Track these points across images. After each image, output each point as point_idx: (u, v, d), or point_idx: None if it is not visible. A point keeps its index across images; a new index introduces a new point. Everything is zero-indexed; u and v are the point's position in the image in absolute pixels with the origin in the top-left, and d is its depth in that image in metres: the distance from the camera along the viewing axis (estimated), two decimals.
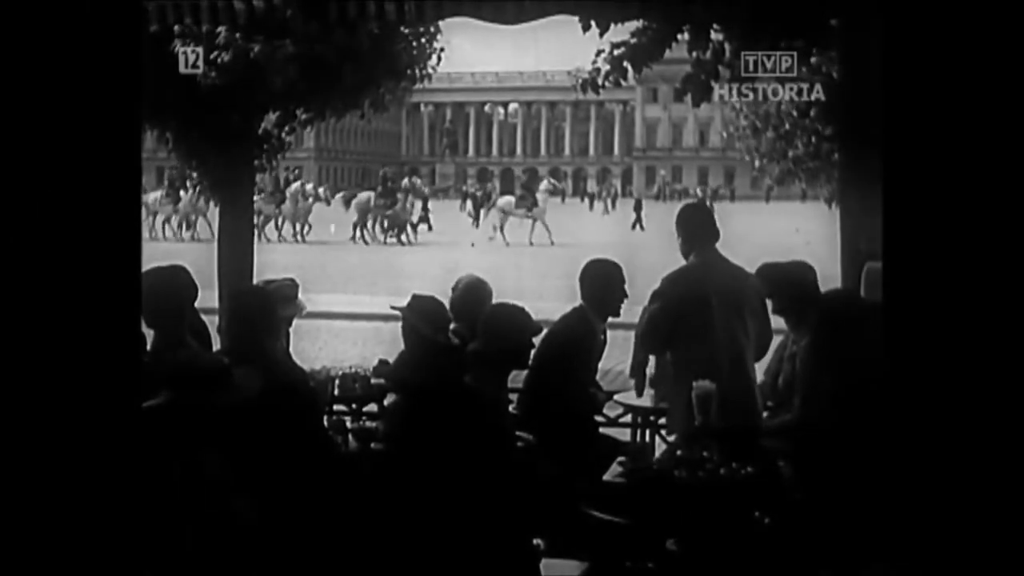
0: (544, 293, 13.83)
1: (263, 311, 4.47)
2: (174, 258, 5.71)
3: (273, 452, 3.96)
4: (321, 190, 34.03)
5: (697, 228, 5.12)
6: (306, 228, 30.32)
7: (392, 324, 5.12)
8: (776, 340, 5.09)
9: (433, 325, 4.93)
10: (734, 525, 3.72)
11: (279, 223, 30.04)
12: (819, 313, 4.44)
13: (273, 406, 3.81)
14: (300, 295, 5.71)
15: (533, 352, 4.45)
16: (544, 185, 30.91)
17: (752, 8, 6.05)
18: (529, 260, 23.19)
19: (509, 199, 31.15)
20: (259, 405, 3.35)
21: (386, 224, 29.65)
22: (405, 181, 31.67)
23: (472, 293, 5.42)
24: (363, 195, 31.33)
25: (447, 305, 5.17)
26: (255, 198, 28.08)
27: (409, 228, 29.63)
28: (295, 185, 30.84)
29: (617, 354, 11.14)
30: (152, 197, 30.63)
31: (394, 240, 29.25)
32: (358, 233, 29.77)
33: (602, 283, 5.23)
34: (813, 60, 6.86)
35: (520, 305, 4.41)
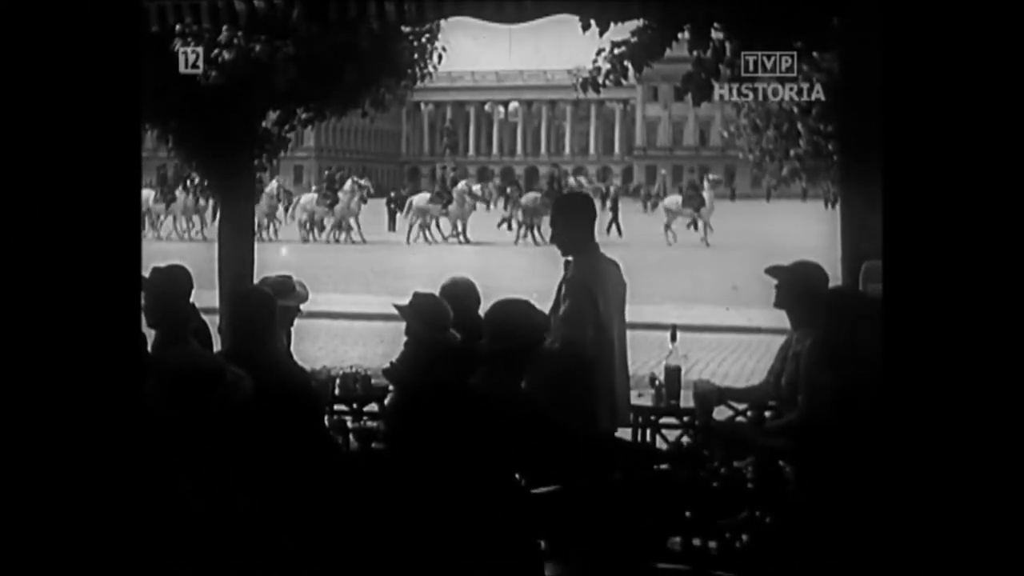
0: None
1: (264, 311, 4.47)
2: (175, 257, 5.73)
3: (274, 452, 3.96)
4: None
5: (580, 221, 5.08)
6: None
7: (392, 324, 5.11)
8: (778, 339, 5.09)
9: (434, 324, 4.92)
10: (734, 525, 3.72)
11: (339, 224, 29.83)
12: (824, 310, 4.44)
13: (274, 406, 3.81)
14: (298, 289, 5.70)
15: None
16: (572, 183, 30.51)
17: (752, 8, 6.05)
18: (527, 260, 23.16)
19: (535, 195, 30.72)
20: (260, 405, 3.34)
21: (327, 224, 29.62)
22: (349, 183, 31.45)
23: (462, 294, 5.39)
24: (307, 196, 31.20)
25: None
26: (311, 197, 27.58)
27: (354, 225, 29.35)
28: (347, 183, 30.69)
29: None
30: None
31: (341, 239, 29.17)
32: (308, 234, 29.73)
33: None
34: (814, 58, 6.86)
35: (525, 300, 4.38)
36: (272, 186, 30.71)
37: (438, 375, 4.46)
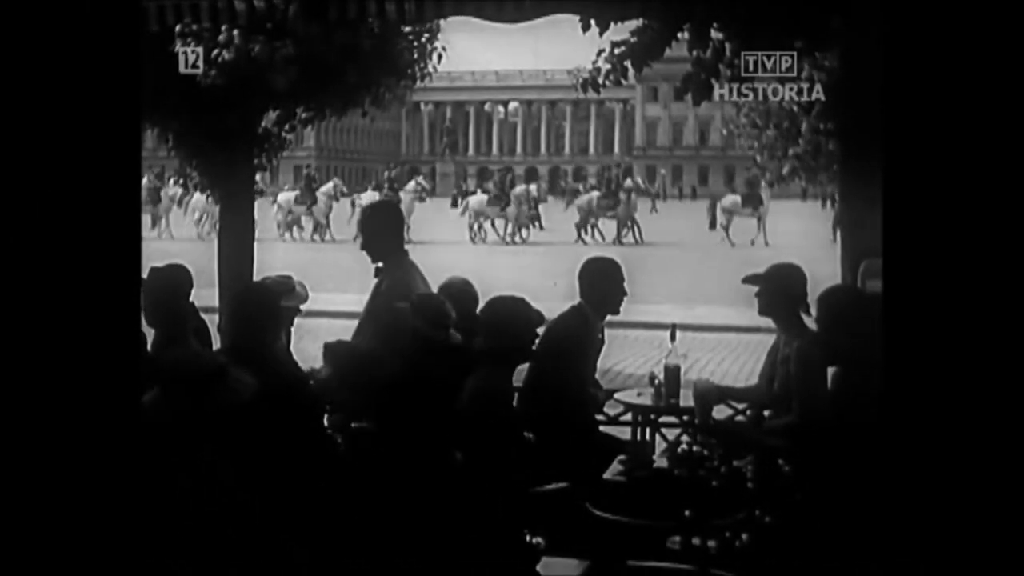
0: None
1: (265, 310, 4.47)
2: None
3: (273, 452, 3.96)
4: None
5: (387, 229, 5.20)
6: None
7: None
8: (764, 340, 5.10)
9: (434, 323, 4.92)
10: (733, 524, 3.72)
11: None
12: (822, 309, 4.44)
13: (273, 405, 3.81)
14: (298, 290, 5.70)
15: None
16: (628, 183, 30.30)
17: (752, 7, 6.05)
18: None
19: (593, 195, 30.40)
20: (260, 404, 3.34)
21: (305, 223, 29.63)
22: (412, 183, 31.33)
23: (458, 294, 5.38)
24: (284, 195, 31.10)
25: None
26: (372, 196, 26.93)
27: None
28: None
29: (617, 353, 11.17)
30: (284, 198, 30.49)
31: (317, 239, 29.15)
32: (286, 233, 29.67)
33: (601, 281, 5.23)
34: (814, 58, 6.87)
35: (520, 297, 4.39)
36: (328, 187, 30.63)
37: (438, 373, 4.46)
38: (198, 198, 30.97)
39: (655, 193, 31.28)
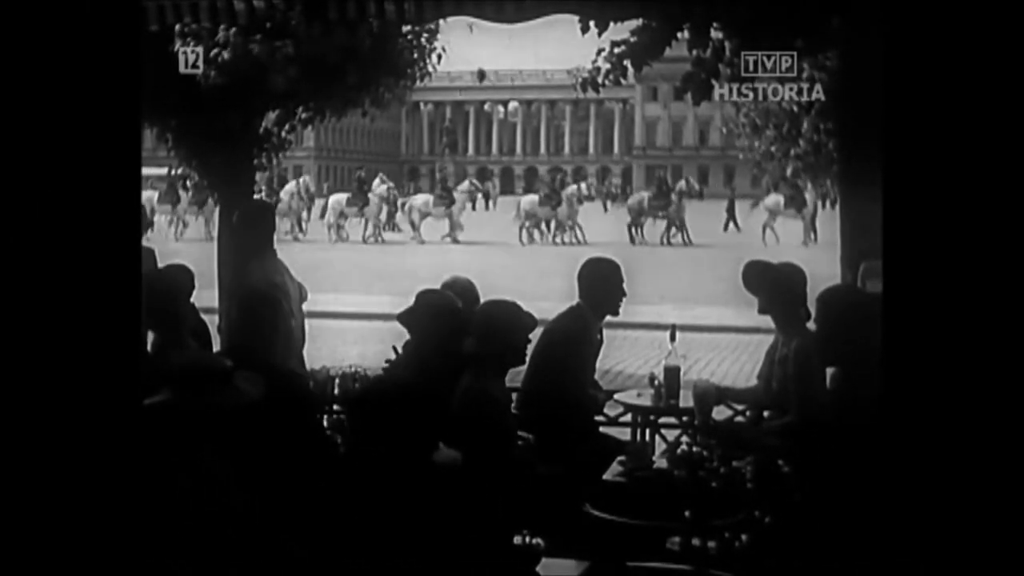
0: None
1: (273, 312, 4.47)
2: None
3: (275, 452, 3.96)
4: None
5: (258, 228, 5.39)
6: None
7: (392, 324, 5.10)
8: (763, 340, 5.10)
9: (440, 320, 4.92)
10: (733, 525, 3.72)
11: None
12: (821, 309, 4.44)
13: (274, 405, 3.81)
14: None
15: (530, 351, 4.44)
16: (681, 185, 30.07)
17: (752, 7, 6.05)
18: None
19: (644, 195, 30.43)
20: (260, 405, 3.34)
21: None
22: (466, 183, 31.25)
23: (459, 294, 5.39)
24: (335, 197, 30.99)
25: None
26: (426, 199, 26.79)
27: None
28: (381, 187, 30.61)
29: (617, 354, 11.15)
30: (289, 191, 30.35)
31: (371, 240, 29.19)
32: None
33: (600, 282, 5.23)
34: (815, 58, 6.87)
35: (512, 301, 4.39)
36: (381, 189, 30.43)
37: (441, 373, 4.46)
38: (335, 198, 30.99)
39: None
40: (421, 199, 30.59)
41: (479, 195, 31.94)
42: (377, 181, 30.98)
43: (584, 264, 5.32)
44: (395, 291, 7.73)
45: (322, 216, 30.18)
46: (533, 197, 30.46)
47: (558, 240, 28.88)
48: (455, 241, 28.34)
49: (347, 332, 13.55)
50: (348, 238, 29.13)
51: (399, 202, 30.77)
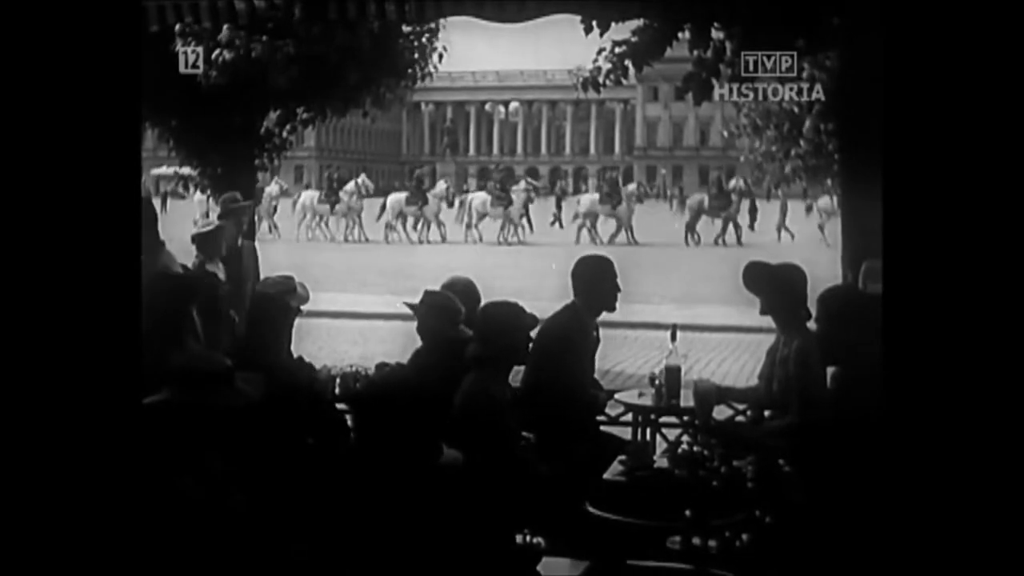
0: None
1: (267, 313, 4.48)
2: None
3: (277, 452, 3.96)
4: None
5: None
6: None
7: (392, 323, 5.12)
8: (764, 340, 5.10)
9: (443, 320, 4.92)
10: (733, 524, 3.72)
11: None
12: (822, 309, 4.44)
13: (276, 406, 3.81)
14: (299, 290, 5.71)
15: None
16: (740, 185, 29.70)
17: (753, 7, 6.05)
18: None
19: (703, 196, 30.08)
20: (262, 405, 3.35)
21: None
22: (523, 183, 31.14)
23: (464, 296, 5.39)
24: (394, 196, 30.96)
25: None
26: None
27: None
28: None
29: (617, 354, 11.15)
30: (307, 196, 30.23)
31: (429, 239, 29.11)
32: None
33: (594, 279, 5.24)
34: (815, 58, 6.87)
35: (513, 301, 4.40)
36: (440, 188, 30.43)
37: (445, 372, 4.46)
38: (307, 195, 30.90)
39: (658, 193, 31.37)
40: (479, 198, 30.41)
41: (535, 193, 31.80)
42: (360, 180, 30.90)
43: (578, 262, 5.35)
44: (397, 291, 7.71)
45: (378, 217, 30.09)
46: (593, 196, 30.25)
47: (616, 239, 28.79)
48: (506, 242, 28.30)
49: (347, 331, 13.55)
50: (402, 238, 29.03)
51: (457, 201, 30.69)
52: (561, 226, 31.23)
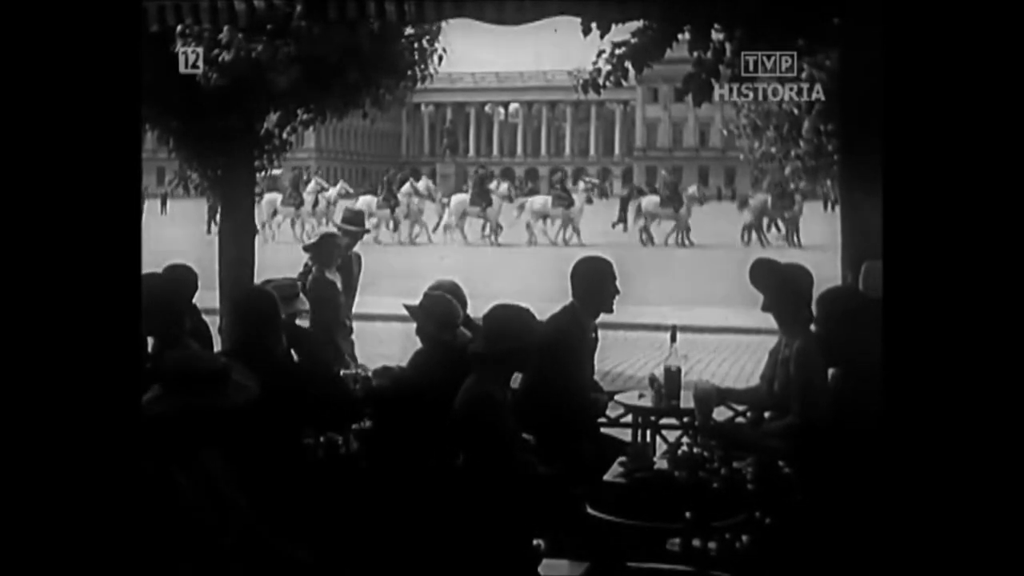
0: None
1: (265, 312, 4.47)
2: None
3: (273, 453, 3.96)
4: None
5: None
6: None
7: (392, 324, 5.12)
8: (765, 341, 5.10)
9: (441, 324, 4.92)
10: (733, 526, 3.72)
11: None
12: (822, 310, 4.44)
13: (274, 407, 3.81)
14: (301, 295, 5.71)
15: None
16: (802, 186, 29.73)
17: (753, 8, 6.05)
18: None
19: (767, 197, 29.83)
20: (260, 406, 3.34)
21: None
22: (581, 183, 31.08)
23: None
24: (458, 197, 30.78)
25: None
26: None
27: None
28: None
29: (617, 355, 11.15)
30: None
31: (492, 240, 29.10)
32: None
33: (593, 280, 5.25)
34: (815, 58, 6.86)
35: (523, 306, 4.40)
36: (503, 188, 30.32)
37: (443, 375, 4.46)
38: (364, 200, 30.84)
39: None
40: (540, 200, 30.37)
41: (595, 192, 31.74)
42: (422, 182, 30.80)
43: (577, 263, 5.36)
44: (397, 292, 7.70)
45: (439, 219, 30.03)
46: (654, 198, 30.22)
47: (672, 241, 28.78)
48: (564, 243, 28.22)
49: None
50: (467, 240, 28.95)
51: (517, 203, 30.65)
52: (626, 228, 31.21)
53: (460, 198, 30.47)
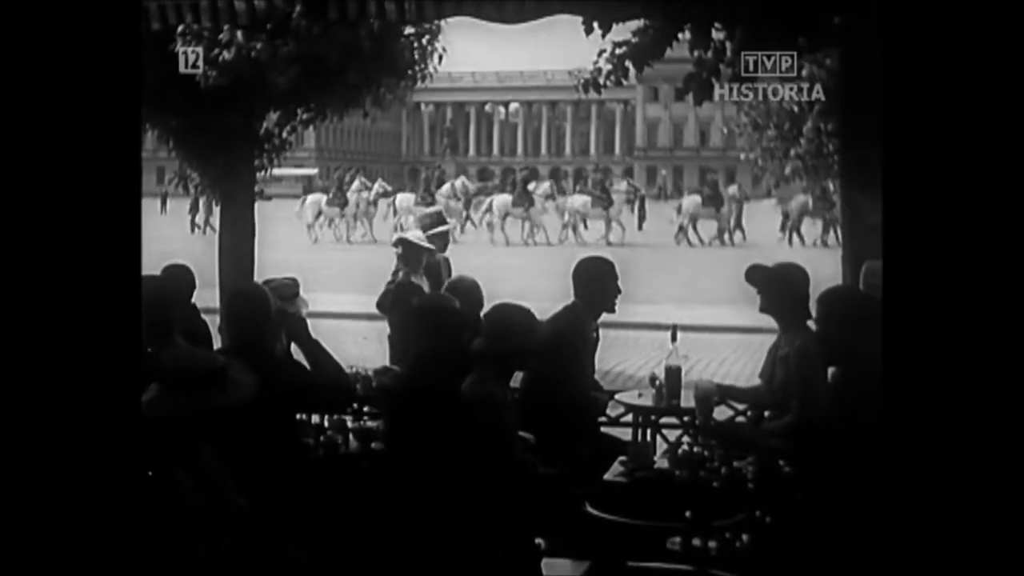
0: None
1: (264, 311, 4.47)
2: None
3: (273, 452, 3.96)
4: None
5: None
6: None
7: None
8: (765, 340, 5.10)
9: (441, 322, 4.92)
10: (733, 525, 3.72)
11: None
12: (822, 309, 4.45)
13: (273, 406, 3.81)
14: (301, 293, 5.71)
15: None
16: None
17: (753, 7, 6.05)
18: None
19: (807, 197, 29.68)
20: (258, 405, 3.34)
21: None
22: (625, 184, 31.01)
23: (463, 294, 5.38)
24: (500, 198, 30.78)
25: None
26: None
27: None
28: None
29: (618, 354, 11.15)
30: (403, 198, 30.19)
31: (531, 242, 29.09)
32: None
33: (595, 280, 5.26)
34: (815, 57, 6.86)
35: (524, 305, 4.40)
36: (545, 186, 30.24)
37: (442, 375, 4.46)
38: (402, 198, 30.83)
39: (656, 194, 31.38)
40: (580, 200, 30.22)
41: (635, 195, 31.73)
42: (460, 181, 30.79)
43: (579, 263, 5.37)
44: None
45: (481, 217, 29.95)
46: (696, 198, 30.12)
47: (719, 242, 28.72)
48: (608, 243, 28.16)
49: (347, 332, 13.53)
50: (509, 241, 28.80)
51: (556, 203, 30.63)
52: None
53: (503, 199, 30.41)
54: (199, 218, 29.60)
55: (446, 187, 30.37)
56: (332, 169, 30.13)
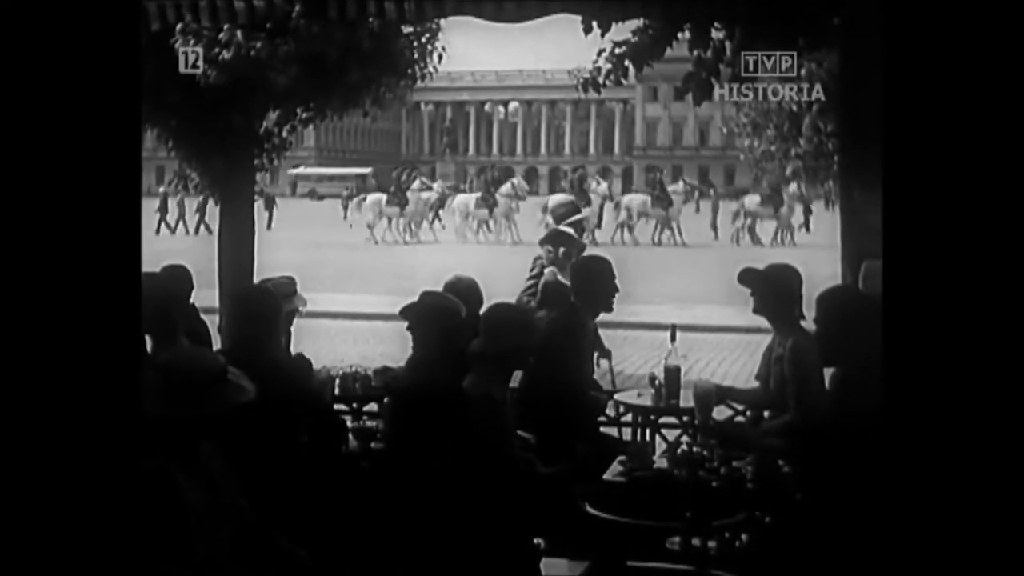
0: None
1: (264, 310, 4.47)
2: None
3: (273, 452, 3.96)
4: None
5: None
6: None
7: (392, 324, 5.11)
8: (765, 340, 5.11)
9: (440, 323, 4.91)
10: (733, 525, 3.72)
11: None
12: (821, 309, 4.45)
13: (273, 406, 3.81)
14: (299, 291, 5.70)
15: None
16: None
17: (753, 7, 6.05)
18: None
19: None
20: (260, 404, 3.34)
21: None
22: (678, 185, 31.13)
23: (463, 293, 5.37)
24: (555, 198, 30.56)
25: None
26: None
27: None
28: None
29: (617, 354, 11.11)
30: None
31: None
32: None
33: (593, 279, 5.26)
34: (815, 57, 6.86)
35: (522, 304, 4.41)
36: (603, 187, 30.23)
37: (441, 375, 4.46)
38: (461, 199, 30.72)
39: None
40: (639, 200, 30.18)
41: (696, 194, 31.70)
42: (516, 180, 30.70)
43: (576, 262, 5.37)
44: (397, 291, 7.68)
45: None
46: (755, 197, 30.00)
47: (780, 241, 28.62)
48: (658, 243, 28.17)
49: (347, 332, 13.54)
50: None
51: (615, 201, 30.43)
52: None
53: (558, 199, 30.26)
54: (170, 218, 29.48)
55: (506, 186, 30.24)
56: (391, 168, 29.86)
